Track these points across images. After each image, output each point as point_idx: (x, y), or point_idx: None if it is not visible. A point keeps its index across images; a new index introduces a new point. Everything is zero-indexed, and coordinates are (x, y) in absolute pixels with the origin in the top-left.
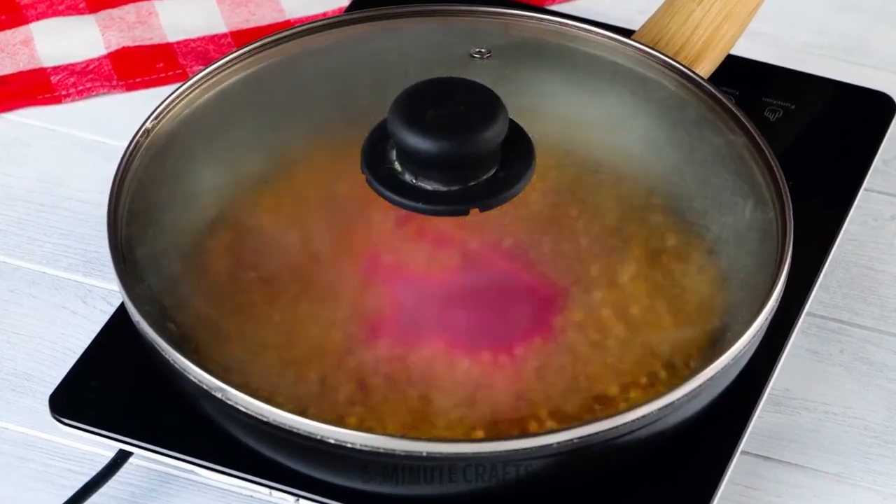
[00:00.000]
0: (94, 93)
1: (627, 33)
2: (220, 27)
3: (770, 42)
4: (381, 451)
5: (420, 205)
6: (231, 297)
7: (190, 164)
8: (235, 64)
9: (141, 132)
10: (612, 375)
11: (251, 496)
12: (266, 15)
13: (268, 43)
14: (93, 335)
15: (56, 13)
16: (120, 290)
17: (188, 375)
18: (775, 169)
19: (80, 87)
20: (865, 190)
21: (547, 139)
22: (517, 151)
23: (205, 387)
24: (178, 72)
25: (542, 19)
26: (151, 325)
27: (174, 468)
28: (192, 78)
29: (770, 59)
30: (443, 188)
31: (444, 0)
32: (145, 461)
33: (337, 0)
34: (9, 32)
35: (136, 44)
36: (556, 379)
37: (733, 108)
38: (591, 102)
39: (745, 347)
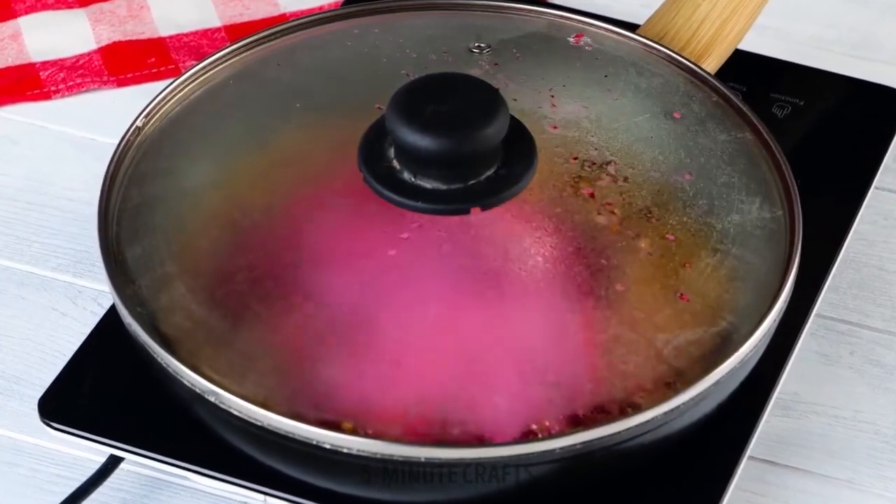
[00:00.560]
0: (84, 88)
1: (632, 28)
2: (214, 21)
3: (778, 36)
4: (379, 456)
5: (419, 204)
6: (224, 298)
7: (182, 161)
8: (229, 59)
9: (132, 129)
10: (618, 379)
11: (245, 502)
12: (261, 8)
13: (263, 37)
14: (83, 337)
15: (45, 7)
16: (111, 291)
17: (181, 378)
18: (783, 167)
19: (70, 83)
20: (876, 188)
21: (548, 136)
22: (518, 149)
23: (198, 390)
24: (170, 67)
25: (544, 13)
26: (143, 326)
27: (166, 473)
28: (185, 73)
29: (778, 53)
30: (442, 187)
31: None
32: (137, 466)
33: None
34: None
35: (128, 38)
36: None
37: (741, 105)
38: (595, 99)
39: (752, 350)
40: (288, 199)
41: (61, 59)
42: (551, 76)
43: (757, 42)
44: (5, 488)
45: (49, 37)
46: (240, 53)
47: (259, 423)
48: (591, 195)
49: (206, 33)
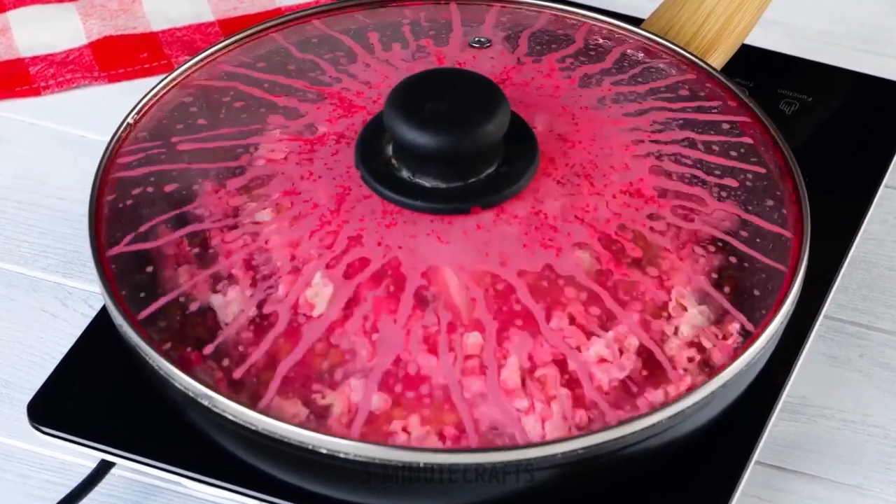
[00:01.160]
0: (74, 84)
1: (636, 22)
2: (207, 15)
3: (785, 31)
4: (377, 461)
5: (418, 202)
6: (218, 298)
7: (175, 159)
8: (223, 54)
9: (124, 126)
10: (621, 381)
11: None
12: (255, 2)
13: (257, 32)
14: (73, 339)
15: (35, 1)
16: (101, 292)
17: (173, 382)
18: (791, 164)
19: (60, 79)
20: (886, 187)
21: (550, 134)
22: (520, 146)
23: (191, 394)
24: (162, 62)
25: (546, 7)
26: (134, 328)
27: (159, 479)
28: (177, 69)
29: (785, 48)
30: (442, 185)
31: None
32: (129, 472)
33: None
34: None
35: (119, 33)
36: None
37: (747, 101)
38: (598, 95)
39: (759, 352)
40: (283, 197)
41: (51, 55)
42: (553, 71)
43: (764, 37)
44: None
45: (39, 31)
46: (234, 48)
47: (254, 428)
48: (593, 194)
49: (200, 28)
